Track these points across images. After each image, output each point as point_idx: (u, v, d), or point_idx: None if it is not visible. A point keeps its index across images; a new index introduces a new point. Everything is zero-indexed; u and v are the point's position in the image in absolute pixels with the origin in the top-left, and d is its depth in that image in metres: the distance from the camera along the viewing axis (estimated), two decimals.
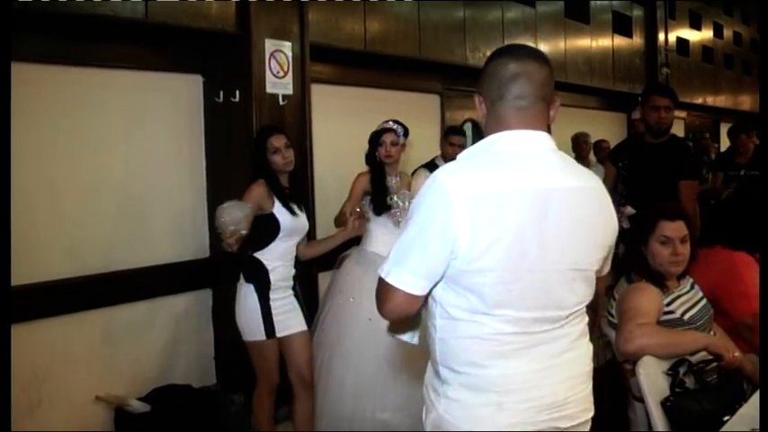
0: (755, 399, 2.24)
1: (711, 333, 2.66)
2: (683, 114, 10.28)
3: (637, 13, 8.99)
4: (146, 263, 3.88)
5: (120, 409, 3.58)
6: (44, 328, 3.42)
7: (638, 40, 9.01)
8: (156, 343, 3.95)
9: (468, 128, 6.02)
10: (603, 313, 2.93)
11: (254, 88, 3.93)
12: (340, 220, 3.81)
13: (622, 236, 2.41)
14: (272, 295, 3.23)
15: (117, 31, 3.61)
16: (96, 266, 3.66)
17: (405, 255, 1.57)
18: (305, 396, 3.40)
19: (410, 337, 1.82)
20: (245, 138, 3.87)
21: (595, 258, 1.66)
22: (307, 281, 3.45)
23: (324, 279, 4.28)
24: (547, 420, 1.61)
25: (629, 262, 2.78)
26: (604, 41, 8.18)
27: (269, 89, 4.01)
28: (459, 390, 1.62)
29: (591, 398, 1.72)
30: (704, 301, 2.73)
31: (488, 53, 1.74)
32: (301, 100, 4.20)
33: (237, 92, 3.99)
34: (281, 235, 3.22)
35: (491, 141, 1.64)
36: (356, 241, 3.88)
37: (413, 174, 4.52)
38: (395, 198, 3.74)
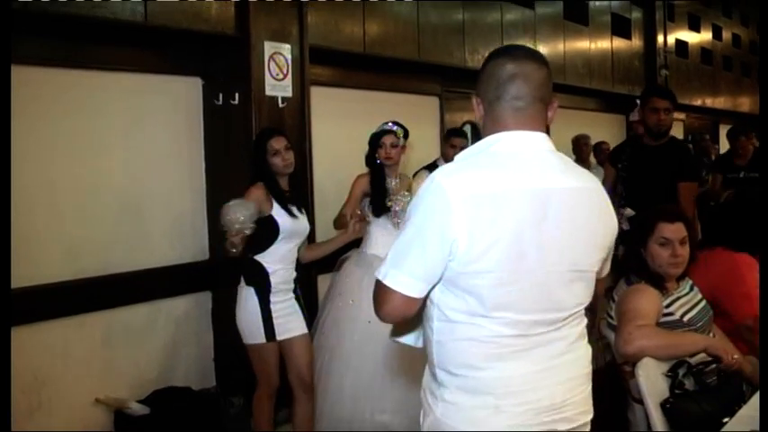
0: (755, 400, 2.24)
1: (711, 335, 2.66)
2: (682, 116, 10.30)
3: (636, 14, 9.01)
4: (145, 265, 3.88)
5: (120, 412, 3.58)
6: (44, 330, 3.42)
7: (637, 42, 9.02)
8: (155, 345, 3.95)
9: (467, 130, 6.02)
10: (603, 315, 2.93)
11: (253, 91, 3.93)
12: (339, 222, 3.82)
13: (622, 237, 2.42)
14: (272, 298, 3.23)
15: (117, 34, 3.61)
16: (96, 269, 3.66)
17: (402, 256, 1.56)
18: (305, 399, 3.40)
19: (414, 340, 1.79)
20: (245, 140, 3.87)
21: (595, 259, 1.66)
22: (306, 284, 3.45)
23: (323, 282, 4.28)
24: (545, 423, 1.60)
25: (628, 263, 2.78)
26: (603, 43, 8.19)
27: (268, 92, 4.01)
28: (456, 392, 1.60)
29: (590, 400, 1.71)
30: (703, 302, 2.73)
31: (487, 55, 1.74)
32: (301, 102, 4.20)
33: (237, 94, 3.99)
34: (280, 237, 3.22)
35: (489, 142, 1.63)
36: (356, 243, 3.88)
37: (414, 175, 4.52)
38: (395, 199, 3.74)
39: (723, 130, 9.83)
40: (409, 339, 1.79)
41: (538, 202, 1.55)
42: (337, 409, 3.65)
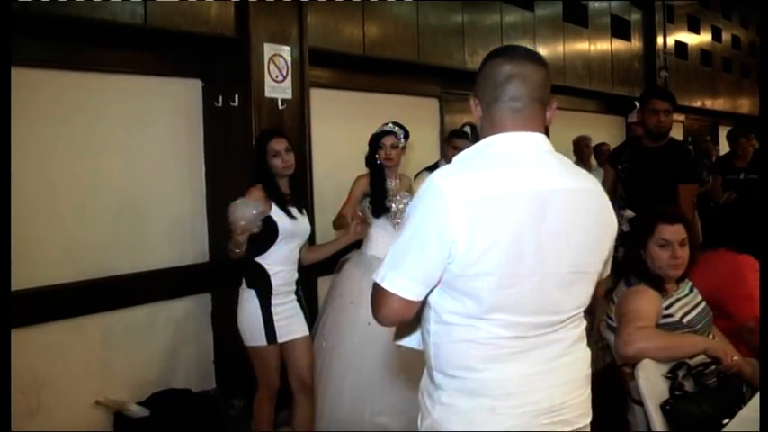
0: (755, 401, 2.25)
1: (710, 336, 2.66)
2: (681, 118, 10.30)
3: (635, 16, 9.02)
4: (145, 267, 3.88)
5: (120, 414, 3.58)
6: (44, 332, 3.42)
7: (636, 44, 9.03)
8: (155, 347, 3.95)
9: (467, 131, 6.02)
10: (602, 316, 2.93)
11: (253, 93, 3.93)
12: (338, 223, 3.82)
13: (621, 239, 2.42)
14: (273, 300, 3.22)
15: (116, 36, 3.62)
16: (96, 270, 3.66)
17: (400, 259, 1.55)
18: (305, 400, 3.39)
19: (417, 343, 1.75)
20: (245, 142, 3.88)
21: (595, 260, 1.65)
22: (306, 286, 3.45)
23: (323, 283, 4.28)
24: (543, 425, 1.59)
25: (627, 265, 2.78)
26: (603, 45, 8.20)
27: (268, 93, 4.01)
28: (453, 395, 1.60)
29: (589, 402, 1.70)
30: (703, 304, 2.73)
31: None
32: (300, 104, 4.20)
33: (237, 96, 3.99)
34: (280, 239, 3.22)
35: (487, 144, 1.62)
36: (357, 245, 3.88)
37: (415, 177, 4.52)
38: (394, 200, 3.75)
39: (723, 132, 9.85)
40: (413, 342, 1.76)
41: (537, 204, 1.54)
42: (337, 410, 3.65)
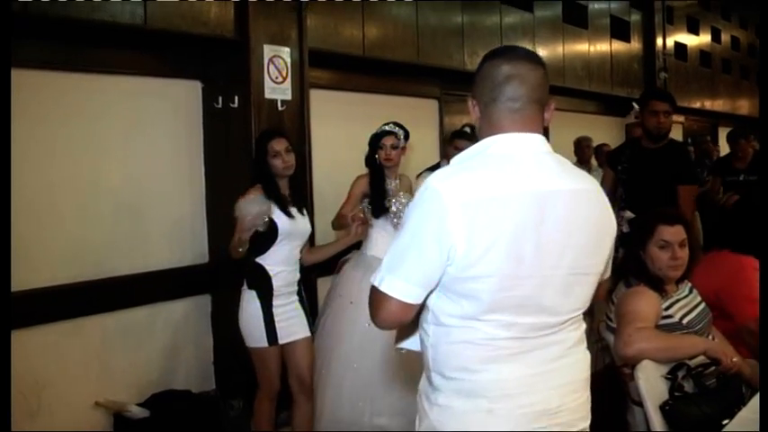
0: (754, 402, 2.25)
1: (710, 337, 2.66)
2: (681, 119, 10.31)
3: (635, 17, 9.02)
4: (145, 268, 3.88)
5: (120, 415, 3.58)
6: (44, 333, 3.42)
7: (636, 45, 9.04)
8: (155, 348, 3.95)
9: (468, 131, 6.02)
10: (602, 317, 2.93)
11: (252, 94, 3.93)
12: (338, 222, 3.81)
13: (621, 240, 2.42)
14: (275, 302, 3.22)
15: (116, 37, 3.62)
16: (96, 272, 3.66)
17: (398, 262, 1.53)
18: (304, 401, 3.39)
19: (418, 345, 1.72)
20: (244, 143, 3.88)
21: (595, 261, 1.64)
22: (306, 287, 3.44)
23: (323, 284, 4.28)
24: (540, 428, 1.58)
25: (627, 266, 2.77)
26: (602, 46, 8.21)
27: (268, 95, 4.01)
28: (450, 396, 1.58)
29: (588, 406, 1.69)
30: (702, 305, 2.73)
31: None
32: (300, 105, 4.21)
33: (236, 97, 3.99)
34: (279, 239, 3.21)
35: (485, 145, 1.61)
36: (357, 246, 3.88)
37: (417, 177, 4.52)
38: (394, 200, 3.75)
39: (722, 133, 9.86)
40: (414, 344, 1.74)
41: (536, 205, 1.52)
42: (336, 410, 3.65)
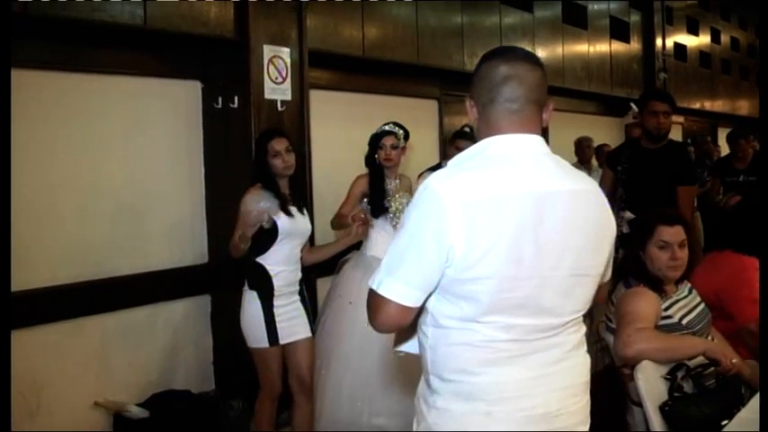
0: (754, 403, 2.25)
1: (709, 338, 2.66)
2: (680, 119, 10.31)
3: (634, 18, 9.03)
4: (145, 268, 3.88)
5: (119, 415, 3.58)
6: (43, 333, 3.42)
7: (635, 46, 9.04)
8: (154, 348, 3.95)
9: (469, 131, 6.02)
10: (601, 318, 2.93)
11: (252, 94, 3.93)
12: (337, 222, 3.81)
13: (621, 240, 2.42)
14: (276, 302, 3.22)
15: (116, 37, 3.62)
16: (95, 272, 3.66)
17: (396, 264, 1.52)
18: (304, 402, 3.39)
19: (417, 348, 1.71)
20: (244, 144, 3.88)
21: (596, 262, 1.63)
22: (306, 287, 3.45)
23: (322, 285, 4.28)
24: (540, 431, 1.57)
25: (627, 266, 2.78)
26: (602, 47, 8.21)
27: (267, 95, 4.01)
28: (449, 399, 1.57)
29: (587, 410, 1.68)
30: (702, 305, 2.73)
31: None
32: (300, 106, 4.21)
33: (236, 98, 3.99)
34: (279, 238, 3.21)
35: (484, 146, 1.60)
36: (357, 246, 3.88)
37: (419, 177, 4.52)
38: (393, 200, 3.75)
39: (722, 134, 9.86)
40: (413, 347, 1.72)
41: (535, 206, 1.52)
42: (335, 410, 3.65)
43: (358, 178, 3.86)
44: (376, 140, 3.80)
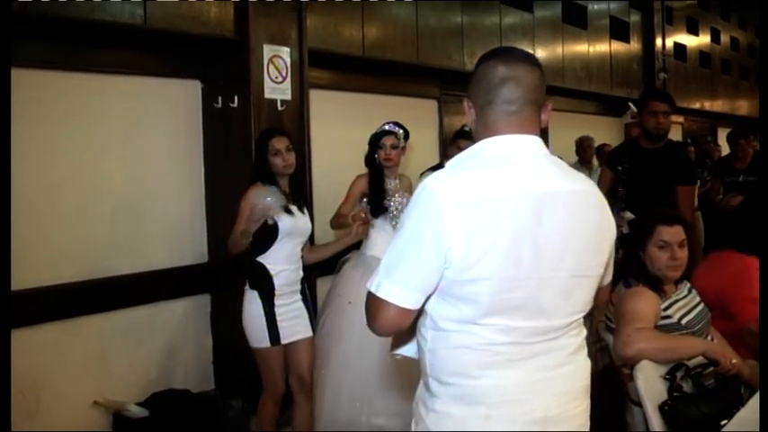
0: (753, 403, 2.25)
1: (709, 338, 2.66)
2: (680, 119, 10.32)
3: (634, 18, 9.03)
4: (144, 268, 3.88)
5: (119, 414, 3.58)
6: (43, 333, 3.42)
7: (635, 46, 9.04)
8: (154, 348, 3.95)
9: (470, 131, 6.01)
10: (601, 318, 2.93)
11: (252, 94, 3.93)
12: (336, 221, 3.81)
13: (622, 241, 2.42)
14: (277, 301, 3.21)
15: (116, 37, 3.62)
16: (95, 271, 3.66)
17: (395, 266, 1.50)
18: (304, 401, 3.39)
19: (414, 351, 1.69)
20: (244, 143, 3.88)
21: (596, 263, 1.62)
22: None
23: (322, 284, 4.28)
24: None
25: (627, 266, 2.78)
26: (602, 47, 8.21)
27: (267, 95, 4.01)
28: (448, 402, 1.56)
29: (587, 414, 1.67)
30: (702, 305, 2.73)
31: None
32: (300, 105, 4.21)
33: (236, 97, 4.00)
34: (280, 237, 3.21)
35: (482, 147, 1.59)
36: (357, 246, 3.88)
37: (420, 176, 4.51)
38: (393, 200, 3.75)
39: (721, 134, 9.86)
40: (410, 351, 1.71)
41: (534, 206, 1.51)
42: (334, 410, 3.65)
43: (358, 178, 3.86)
44: (376, 140, 3.80)
